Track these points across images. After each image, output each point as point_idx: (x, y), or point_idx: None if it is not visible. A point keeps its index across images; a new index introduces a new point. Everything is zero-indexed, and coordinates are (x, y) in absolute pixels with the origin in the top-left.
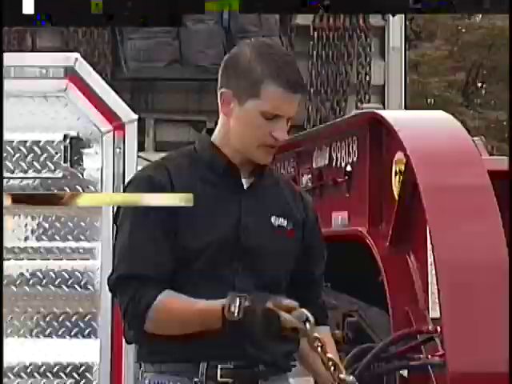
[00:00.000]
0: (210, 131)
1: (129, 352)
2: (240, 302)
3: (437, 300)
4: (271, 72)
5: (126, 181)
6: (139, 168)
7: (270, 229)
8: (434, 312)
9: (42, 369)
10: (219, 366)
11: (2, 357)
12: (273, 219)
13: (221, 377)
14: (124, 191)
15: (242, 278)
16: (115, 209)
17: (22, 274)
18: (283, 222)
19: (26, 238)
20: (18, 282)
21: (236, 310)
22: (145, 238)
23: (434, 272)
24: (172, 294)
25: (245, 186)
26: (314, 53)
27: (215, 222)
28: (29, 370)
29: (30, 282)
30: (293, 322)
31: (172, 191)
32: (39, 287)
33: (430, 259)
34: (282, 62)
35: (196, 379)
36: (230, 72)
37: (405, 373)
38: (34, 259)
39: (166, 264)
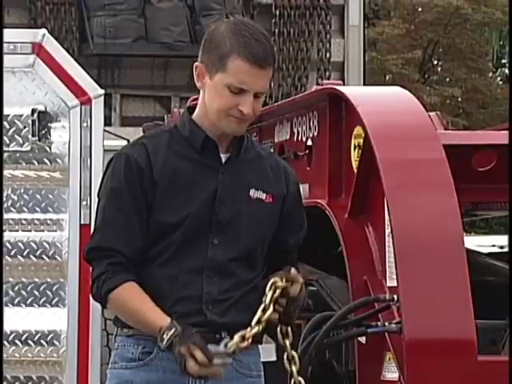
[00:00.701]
0: (191, 108)
1: (95, 320)
2: (172, 335)
3: (394, 269)
4: (238, 47)
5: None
6: (105, 142)
7: (247, 202)
8: (391, 281)
9: (10, 337)
10: None
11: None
12: (251, 192)
13: None
14: (106, 168)
15: (217, 250)
16: (99, 183)
17: None
18: (262, 194)
19: None
20: None
21: (165, 340)
22: (117, 213)
23: (391, 242)
24: (132, 288)
25: (223, 161)
26: (276, 30)
27: (192, 197)
28: None
29: None
30: (193, 373)
31: (150, 169)
32: (8, 258)
33: (388, 230)
34: (252, 38)
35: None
36: (204, 47)
37: (363, 339)
38: (3, 230)
39: (136, 239)
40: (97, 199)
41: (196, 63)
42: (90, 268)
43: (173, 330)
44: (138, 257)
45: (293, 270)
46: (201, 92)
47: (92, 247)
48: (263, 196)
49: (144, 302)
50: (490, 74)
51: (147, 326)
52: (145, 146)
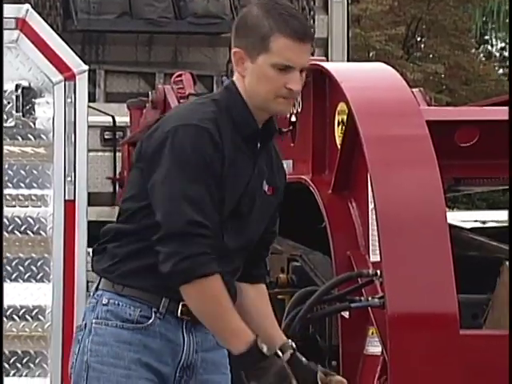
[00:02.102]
0: (233, 82)
1: (80, 295)
2: (252, 358)
3: (377, 245)
4: (278, 25)
5: (160, 127)
6: (90, 118)
7: (260, 194)
8: (375, 256)
9: None
10: (181, 303)
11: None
12: (264, 184)
13: (181, 313)
14: (166, 138)
15: (230, 237)
16: (140, 148)
17: None
18: (268, 188)
19: None
20: None
21: (266, 348)
22: (207, 188)
23: (374, 218)
24: (223, 284)
25: (258, 149)
26: None
27: (235, 185)
28: None
29: None
30: None
31: (221, 147)
32: None
33: (371, 206)
34: (288, 15)
35: (155, 309)
36: (239, 32)
37: (346, 314)
38: None
39: (216, 217)
40: (157, 166)
41: (234, 49)
42: (176, 241)
43: (265, 348)
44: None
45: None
46: (238, 78)
47: (190, 221)
48: (266, 187)
49: (231, 305)
50: (473, 51)
51: (230, 333)
52: (216, 122)
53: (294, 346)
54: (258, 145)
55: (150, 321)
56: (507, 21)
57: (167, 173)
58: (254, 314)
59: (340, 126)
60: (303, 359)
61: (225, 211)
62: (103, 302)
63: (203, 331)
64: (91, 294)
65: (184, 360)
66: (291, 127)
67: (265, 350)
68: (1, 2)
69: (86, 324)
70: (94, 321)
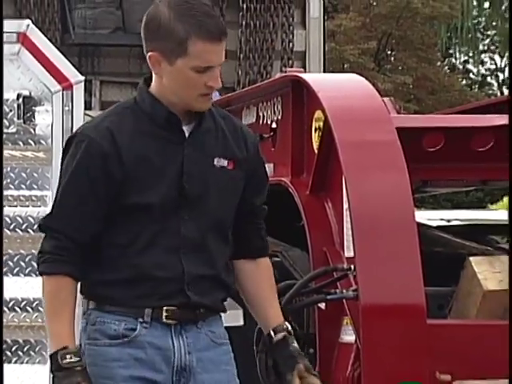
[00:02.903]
0: (148, 80)
1: (78, 288)
2: (75, 361)
3: (351, 241)
4: (194, 29)
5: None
6: None
7: (212, 172)
8: (349, 251)
9: None
10: (164, 308)
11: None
12: (215, 161)
13: (166, 318)
14: (66, 146)
15: (189, 225)
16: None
17: None
18: (224, 162)
19: None
20: None
21: (67, 360)
22: (73, 197)
23: (348, 217)
24: (65, 285)
25: (186, 134)
26: (243, 22)
27: (160, 176)
28: None
29: None
30: None
31: (116, 152)
32: None
33: (346, 205)
34: (202, 15)
35: (140, 319)
36: (153, 35)
37: (322, 305)
38: None
39: (89, 225)
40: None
41: (150, 53)
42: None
43: (77, 359)
44: (91, 241)
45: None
46: (154, 77)
47: (44, 225)
48: (225, 163)
49: (66, 308)
50: (439, 64)
51: (54, 332)
52: (109, 129)
53: (289, 328)
54: (186, 128)
55: (136, 332)
56: (469, 36)
57: (59, 181)
58: (251, 293)
59: (317, 132)
60: (294, 345)
61: (161, 199)
62: (91, 322)
63: (195, 331)
64: (82, 313)
65: (177, 364)
66: (272, 133)
67: (65, 361)
68: (1, 17)
69: (81, 345)
70: (86, 341)
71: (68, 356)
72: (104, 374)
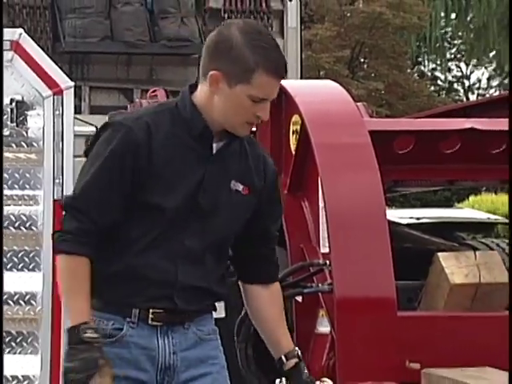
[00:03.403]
0: (192, 87)
1: None
2: (95, 336)
3: (326, 238)
4: (263, 62)
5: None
6: (76, 128)
7: (226, 193)
8: (324, 248)
9: None
10: (151, 311)
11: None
12: (232, 184)
13: (151, 320)
14: (99, 132)
15: (194, 239)
16: (91, 141)
17: None
18: (240, 186)
19: None
20: None
21: (88, 334)
22: (102, 181)
23: (324, 215)
24: (85, 265)
25: (214, 151)
26: None
27: (180, 184)
28: None
29: None
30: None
31: (148, 147)
32: None
33: (321, 204)
34: (271, 50)
35: (128, 319)
36: (221, 55)
37: (299, 298)
38: None
39: (111, 211)
40: (84, 158)
41: (213, 71)
42: (64, 216)
43: (96, 334)
44: (108, 228)
45: None
46: (207, 89)
47: (70, 204)
48: (240, 188)
49: (83, 285)
50: (408, 71)
51: (74, 307)
52: (148, 124)
53: (299, 354)
54: (214, 146)
55: (123, 332)
56: (437, 45)
57: (86, 163)
58: (263, 318)
59: (294, 135)
60: (305, 372)
61: (173, 203)
62: None
63: (182, 331)
64: None
65: (162, 363)
66: (252, 136)
67: (86, 335)
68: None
69: None
70: None
71: (89, 331)
72: None
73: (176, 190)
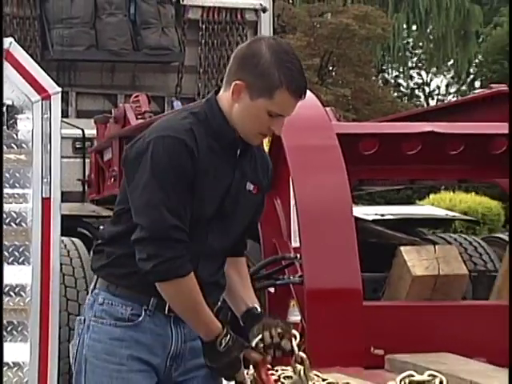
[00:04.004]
0: (217, 92)
1: (55, 275)
2: (229, 340)
3: (297, 233)
4: (287, 81)
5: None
6: (63, 131)
7: (244, 195)
8: (295, 242)
9: None
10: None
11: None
12: (247, 185)
13: (168, 310)
14: (148, 145)
15: (215, 237)
16: (126, 155)
17: None
18: (251, 186)
19: None
20: None
21: (223, 344)
22: (183, 197)
23: (295, 212)
24: (195, 281)
25: (237, 157)
26: (203, 41)
27: (212, 190)
28: None
29: None
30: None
31: (197, 156)
32: None
33: (292, 202)
34: (296, 72)
35: (145, 307)
36: (247, 68)
37: (272, 289)
38: None
39: (188, 223)
40: (136, 173)
41: (237, 81)
42: (157, 244)
43: (228, 336)
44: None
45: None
46: (228, 97)
47: (174, 225)
48: (251, 187)
49: (202, 298)
50: (373, 78)
51: (203, 324)
52: (194, 134)
53: (261, 309)
54: (238, 152)
55: (141, 318)
56: (400, 54)
57: (147, 180)
58: (234, 280)
59: (267, 138)
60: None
61: (207, 212)
62: (99, 302)
63: None
64: (90, 291)
65: (173, 351)
66: None
67: (225, 340)
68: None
69: (85, 319)
70: (92, 318)
71: (225, 339)
72: (107, 351)
73: (208, 196)
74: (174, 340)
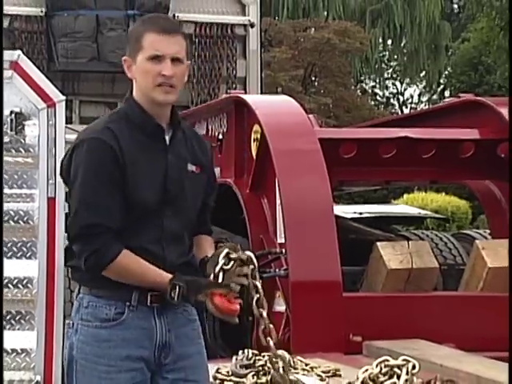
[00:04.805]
0: (132, 91)
1: (60, 269)
2: (179, 290)
3: (283, 230)
4: (148, 26)
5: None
6: (67, 136)
7: (187, 176)
8: (281, 238)
9: None
10: (149, 293)
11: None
12: (188, 167)
13: (150, 302)
14: (72, 151)
15: (171, 221)
16: (61, 164)
17: None
18: (193, 167)
19: None
20: None
21: (175, 296)
22: (102, 192)
23: (280, 210)
24: (130, 254)
25: (167, 142)
26: (196, 54)
27: (148, 178)
28: None
29: None
30: (217, 313)
31: (120, 152)
32: None
33: (278, 201)
34: (156, 17)
35: (128, 303)
36: (127, 45)
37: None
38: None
39: (118, 214)
40: (69, 180)
41: (124, 58)
42: (79, 241)
43: (177, 287)
44: (120, 229)
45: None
46: (133, 85)
47: (85, 224)
48: (194, 168)
49: (143, 264)
50: (352, 88)
51: (153, 283)
52: (114, 133)
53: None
54: (167, 137)
55: (124, 315)
56: (376, 66)
57: (71, 185)
58: (200, 249)
59: (255, 142)
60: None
61: (151, 199)
62: (84, 305)
63: (173, 311)
64: (75, 296)
65: (159, 341)
66: (219, 143)
67: (174, 293)
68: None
69: (73, 323)
70: (78, 322)
71: (173, 293)
72: (95, 353)
73: (146, 185)
74: (158, 330)
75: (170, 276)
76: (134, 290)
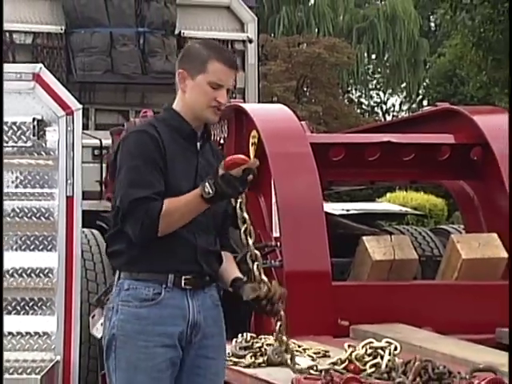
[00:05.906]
0: (170, 105)
1: (77, 259)
2: (209, 183)
3: (278, 225)
4: (215, 54)
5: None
6: (84, 141)
7: None
8: (276, 233)
9: (19, 271)
10: (183, 277)
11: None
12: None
13: (184, 284)
14: (121, 143)
15: (202, 213)
16: (114, 154)
17: (8, 210)
18: None
19: (8, 186)
20: (6, 215)
21: (209, 189)
22: (146, 172)
23: (276, 207)
24: (167, 200)
25: (198, 148)
26: None
27: (183, 174)
28: (11, 272)
29: (11, 215)
30: (239, 173)
31: (162, 144)
32: (17, 218)
33: (274, 199)
34: (222, 49)
35: (164, 285)
36: (184, 58)
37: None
38: (13, 200)
39: (161, 189)
40: (120, 163)
41: (179, 70)
42: (129, 218)
43: (206, 181)
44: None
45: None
46: (179, 94)
47: (134, 199)
48: None
49: (179, 198)
50: (340, 97)
51: (190, 202)
52: (155, 128)
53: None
54: (198, 144)
55: (161, 296)
56: (362, 78)
57: (121, 168)
58: (224, 267)
59: (253, 146)
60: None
61: (186, 189)
62: (125, 288)
63: (203, 295)
64: (115, 283)
65: (191, 320)
66: (220, 147)
67: (208, 189)
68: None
69: (113, 306)
70: (119, 303)
71: (208, 182)
72: (136, 330)
73: (181, 178)
74: (191, 310)
75: (194, 191)
76: (170, 274)
